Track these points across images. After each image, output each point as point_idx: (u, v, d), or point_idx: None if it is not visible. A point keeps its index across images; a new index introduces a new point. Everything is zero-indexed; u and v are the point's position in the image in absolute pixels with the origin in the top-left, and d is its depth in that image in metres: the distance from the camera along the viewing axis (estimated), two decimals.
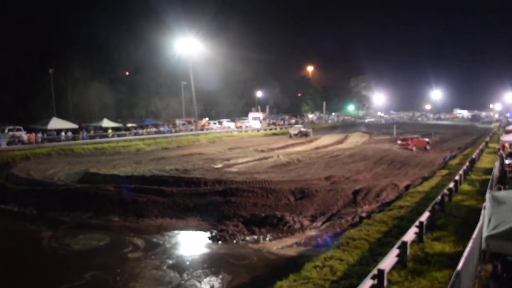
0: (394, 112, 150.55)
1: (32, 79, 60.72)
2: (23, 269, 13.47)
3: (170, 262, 13.53)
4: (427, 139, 45.29)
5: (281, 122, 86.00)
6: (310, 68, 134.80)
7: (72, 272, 12.68)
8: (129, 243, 15.51)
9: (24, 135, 43.03)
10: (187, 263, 13.72)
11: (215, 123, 71.06)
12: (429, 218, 12.67)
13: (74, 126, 51.21)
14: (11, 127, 44.18)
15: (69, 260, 14.21)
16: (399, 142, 44.02)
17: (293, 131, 63.95)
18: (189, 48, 61.26)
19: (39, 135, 44.24)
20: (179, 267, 13.13)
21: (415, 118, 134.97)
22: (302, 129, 63.80)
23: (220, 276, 12.26)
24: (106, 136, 49.69)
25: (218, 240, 15.68)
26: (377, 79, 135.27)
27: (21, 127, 44.82)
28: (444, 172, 26.31)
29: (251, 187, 20.84)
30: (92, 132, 50.78)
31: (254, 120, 76.29)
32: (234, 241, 15.57)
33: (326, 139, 52.65)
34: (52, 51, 64.02)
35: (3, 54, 59.67)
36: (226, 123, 72.83)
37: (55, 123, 49.54)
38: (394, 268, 9.56)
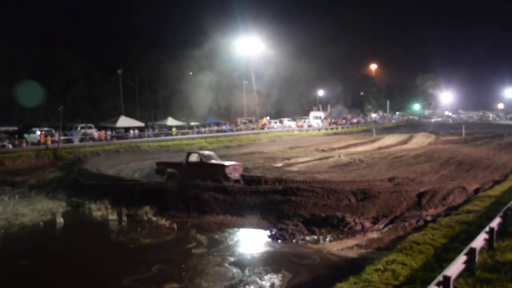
0: (462, 111, 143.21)
1: (102, 79, 64.03)
2: (94, 260, 14.21)
3: (232, 259, 13.77)
4: None
5: (343, 122, 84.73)
6: (373, 66, 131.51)
7: (140, 264, 13.22)
8: (192, 239, 15.95)
9: (94, 133, 45.48)
10: (248, 260, 13.94)
11: (276, 122, 71.20)
12: (500, 224, 12.05)
13: (140, 124, 53.52)
14: (83, 125, 46.89)
15: (136, 253, 14.85)
16: None
17: None
18: (251, 47, 61.83)
19: (108, 132, 46.58)
20: (240, 264, 13.34)
21: (485, 117, 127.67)
22: None
23: (281, 274, 12.33)
24: (170, 134, 51.46)
25: (277, 238, 15.77)
26: (444, 77, 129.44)
27: (92, 125, 47.40)
28: None
29: (311, 187, 20.70)
30: (157, 130, 52.80)
31: (315, 119, 75.71)
32: (294, 240, 15.59)
33: (389, 139, 51.24)
34: (119, 53, 67.34)
35: (74, 57, 63.52)
36: (287, 122, 72.79)
37: (123, 121, 51.93)
38: (461, 275, 9.17)
